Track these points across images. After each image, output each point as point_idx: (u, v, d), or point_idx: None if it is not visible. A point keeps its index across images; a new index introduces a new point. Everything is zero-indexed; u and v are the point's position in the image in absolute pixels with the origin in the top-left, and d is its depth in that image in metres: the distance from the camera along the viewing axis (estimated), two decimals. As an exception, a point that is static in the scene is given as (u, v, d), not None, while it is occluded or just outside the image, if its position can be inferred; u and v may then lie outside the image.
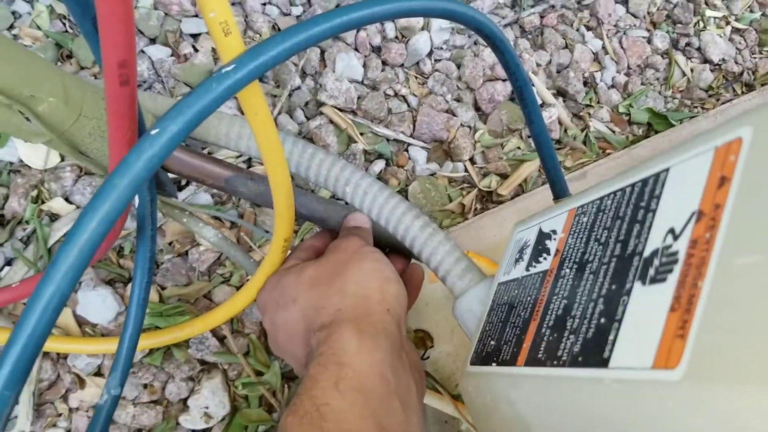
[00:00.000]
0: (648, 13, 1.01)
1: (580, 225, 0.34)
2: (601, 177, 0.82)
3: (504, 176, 0.85)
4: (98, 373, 0.67)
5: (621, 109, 0.92)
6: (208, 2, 0.27)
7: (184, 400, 0.67)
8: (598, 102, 0.93)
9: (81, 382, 0.66)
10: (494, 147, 0.86)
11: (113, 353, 0.63)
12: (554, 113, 0.88)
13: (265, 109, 0.33)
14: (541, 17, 0.96)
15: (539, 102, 0.90)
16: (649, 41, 0.99)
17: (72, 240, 0.24)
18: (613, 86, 0.95)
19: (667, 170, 0.28)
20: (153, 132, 0.26)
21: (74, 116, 0.44)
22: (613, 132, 0.91)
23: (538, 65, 0.93)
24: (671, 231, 0.25)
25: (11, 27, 0.82)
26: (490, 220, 0.79)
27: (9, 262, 0.69)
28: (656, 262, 0.25)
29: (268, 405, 0.69)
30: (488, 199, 0.84)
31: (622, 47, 0.97)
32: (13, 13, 0.83)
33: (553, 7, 0.96)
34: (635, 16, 1.00)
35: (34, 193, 0.72)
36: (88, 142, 0.46)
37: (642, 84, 0.96)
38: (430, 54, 0.90)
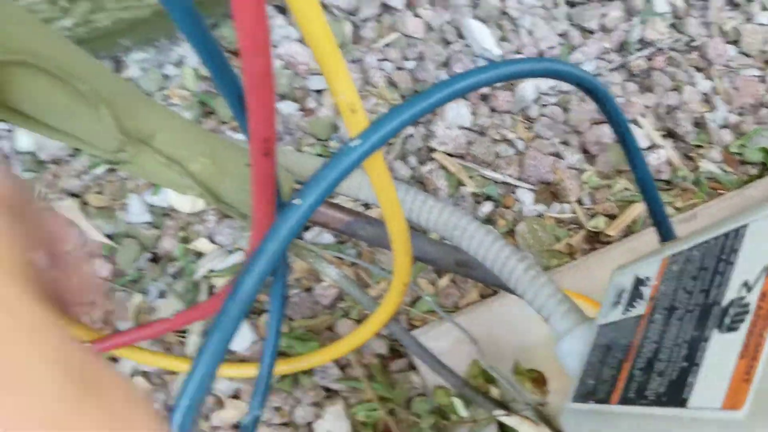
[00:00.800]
0: (761, 51, 0.99)
1: (671, 273, 0.37)
2: (712, 218, 0.82)
3: (612, 217, 0.86)
4: (235, 396, 0.75)
5: (733, 149, 0.91)
6: (338, 88, 0.33)
7: (309, 424, 0.74)
8: (709, 142, 0.92)
9: (220, 403, 0.74)
10: (602, 188, 0.88)
11: (250, 377, 0.71)
12: (663, 155, 0.89)
13: (384, 170, 0.39)
14: (649, 60, 0.97)
15: (648, 144, 0.91)
16: (763, 80, 0.97)
17: (235, 298, 0.31)
18: (725, 126, 0.94)
19: (746, 226, 0.31)
20: (296, 202, 0.33)
21: (220, 173, 0.52)
22: (725, 172, 0.90)
23: (647, 107, 0.93)
24: (745, 284, 0.28)
25: (162, 88, 0.95)
26: (598, 260, 0.81)
27: (162, 295, 0.80)
28: (731, 311, 0.28)
29: (387, 430, 0.74)
30: (596, 240, 0.85)
31: (733, 87, 0.96)
32: (164, 76, 0.96)
33: (660, 50, 0.97)
34: (747, 56, 0.99)
35: (183, 234, 0.82)
36: (231, 194, 0.55)
37: (756, 124, 0.94)
38: (536, 100, 0.94)
